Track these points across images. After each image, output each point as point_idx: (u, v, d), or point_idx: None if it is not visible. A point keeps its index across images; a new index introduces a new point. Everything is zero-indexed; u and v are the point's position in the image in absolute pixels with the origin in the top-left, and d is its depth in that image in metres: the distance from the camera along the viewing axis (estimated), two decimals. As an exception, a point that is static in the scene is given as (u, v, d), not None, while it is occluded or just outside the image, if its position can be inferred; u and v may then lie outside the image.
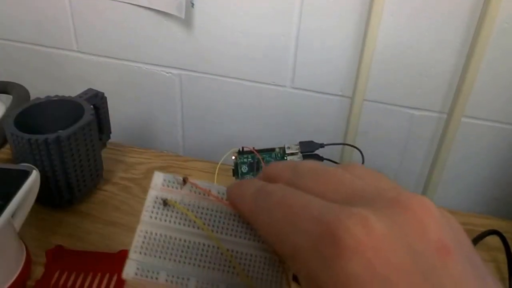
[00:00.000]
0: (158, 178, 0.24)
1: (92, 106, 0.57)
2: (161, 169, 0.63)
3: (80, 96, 0.58)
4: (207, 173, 0.63)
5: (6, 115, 0.55)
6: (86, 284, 0.46)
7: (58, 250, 0.50)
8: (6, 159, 0.62)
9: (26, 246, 0.48)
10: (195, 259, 0.23)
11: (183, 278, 0.23)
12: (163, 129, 0.84)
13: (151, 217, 0.23)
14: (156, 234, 0.23)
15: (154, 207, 0.23)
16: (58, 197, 0.54)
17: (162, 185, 0.24)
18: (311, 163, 0.22)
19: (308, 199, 0.18)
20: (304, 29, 0.65)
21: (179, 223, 0.24)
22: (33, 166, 0.43)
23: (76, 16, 0.75)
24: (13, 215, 0.45)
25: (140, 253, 0.22)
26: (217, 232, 0.24)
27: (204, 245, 0.24)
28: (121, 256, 0.49)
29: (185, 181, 0.24)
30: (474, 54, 0.57)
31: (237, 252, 0.24)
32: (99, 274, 0.47)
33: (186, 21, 0.69)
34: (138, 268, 0.22)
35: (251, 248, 0.24)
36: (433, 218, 0.17)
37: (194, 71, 0.75)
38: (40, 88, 0.79)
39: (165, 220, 0.23)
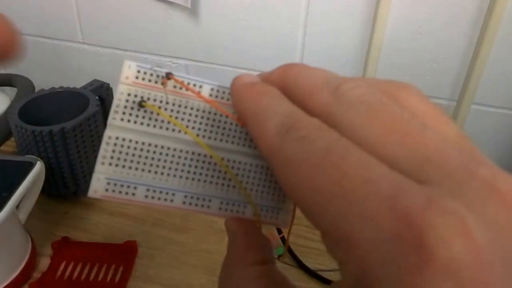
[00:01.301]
0: (131, 69, 0.18)
1: (97, 97, 0.56)
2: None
3: (85, 87, 0.57)
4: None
5: (10, 106, 0.54)
6: (92, 275, 0.46)
7: (63, 242, 0.49)
8: (11, 152, 0.62)
9: (31, 238, 0.48)
10: (182, 170, 0.19)
11: (167, 193, 0.19)
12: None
13: (122, 119, 0.18)
14: (130, 141, 0.18)
15: (126, 107, 0.18)
16: (64, 188, 0.53)
17: (136, 78, 0.18)
18: (360, 86, 0.16)
19: (367, 162, 0.13)
20: (312, 16, 0.64)
21: (160, 127, 0.19)
22: (37, 158, 0.43)
23: (80, 7, 0.75)
24: (17, 207, 0.45)
25: (110, 164, 0.18)
26: (209, 138, 0.19)
27: (193, 153, 0.19)
28: (127, 246, 0.49)
29: (169, 77, 0.19)
30: (484, 39, 0.56)
31: (233, 161, 0.20)
32: (105, 265, 0.47)
33: (192, 11, 0.69)
34: (109, 183, 0.18)
35: (250, 156, 0.20)
36: None
37: (201, 61, 0.74)
38: (45, 81, 0.78)
39: (142, 124, 0.18)
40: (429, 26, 0.60)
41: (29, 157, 0.43)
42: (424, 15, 0.59)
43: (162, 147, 0.19)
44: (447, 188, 0.13)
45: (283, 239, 0.48)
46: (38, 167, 0.42)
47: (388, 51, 0.63)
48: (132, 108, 0.18)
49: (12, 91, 0.69)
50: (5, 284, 0.43)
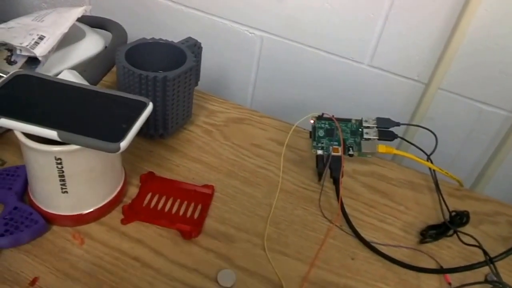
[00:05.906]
0: None
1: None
2: (239, 120, 0.69)
3: (182, 42, 0.63)
4: (280, 131, 0.68)
5: (114, 49, 0.60)
6: (174, 208, 0.53)
7: (150, 175, 0.56)
8: (106, 87, 0.69)
9: (124, 168, 0.55)
10: None
11: None
12: (235, 84, 0.89)
13: None
14: None
15: None
16: (154, 130, 0.60)
17: None
18: None
19: None
20: (394, 10, 0.68)
21: None
22: (148, 99, 0.49)
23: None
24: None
25: None
26: None
27: None
28: (205, 189, 0.55)
29: None
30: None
31: None
32: (186, 202, 0.54)
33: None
34: None
35: None
36: None
37: (276, 35, 0.79)
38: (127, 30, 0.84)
39: None
40: (508, 38, 0.64)
41: (141, 97, 0.49)
42: (506, 28, 0.63)
43: None
44: None
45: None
46: (150, 107, 0.48)
47: (462, 58, 0.67)
48: None
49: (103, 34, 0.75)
50: (104, 202, 0.50)
